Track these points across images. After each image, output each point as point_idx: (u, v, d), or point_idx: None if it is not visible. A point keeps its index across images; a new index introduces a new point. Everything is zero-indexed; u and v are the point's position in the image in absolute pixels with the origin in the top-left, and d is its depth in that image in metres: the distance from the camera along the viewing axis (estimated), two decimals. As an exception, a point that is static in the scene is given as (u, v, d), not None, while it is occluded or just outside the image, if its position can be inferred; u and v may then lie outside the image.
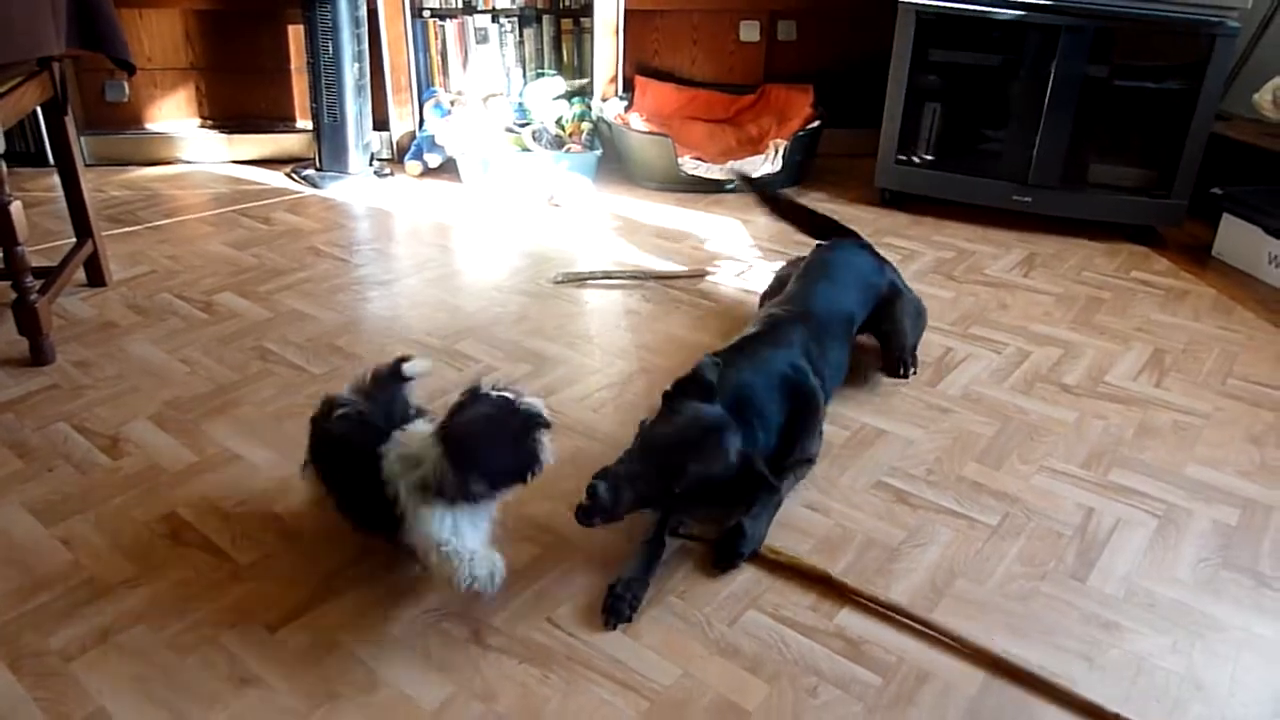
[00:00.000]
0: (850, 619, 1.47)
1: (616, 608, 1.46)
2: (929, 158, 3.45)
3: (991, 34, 3.17)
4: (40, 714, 1.27)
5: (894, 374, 2.22)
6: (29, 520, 1.65)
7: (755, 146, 3.73)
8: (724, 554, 1.58)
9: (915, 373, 2.23)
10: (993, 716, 1.31)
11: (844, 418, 2.04)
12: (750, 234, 3.17)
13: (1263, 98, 2.81)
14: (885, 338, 2.25)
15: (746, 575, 1.56)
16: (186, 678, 1.33)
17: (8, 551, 1.57)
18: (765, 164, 3.54)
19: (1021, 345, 2.41)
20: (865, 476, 1.84)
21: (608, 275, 2.77)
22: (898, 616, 1.47)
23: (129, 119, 3.74)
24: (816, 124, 3.67)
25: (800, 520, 1.70)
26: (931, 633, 1.44)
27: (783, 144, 3.56)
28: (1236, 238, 2.99)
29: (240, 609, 1.46)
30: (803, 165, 3.69)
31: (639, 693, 1.33)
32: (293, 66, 3.77)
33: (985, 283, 2.82)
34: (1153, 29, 2.98)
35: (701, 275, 2.79)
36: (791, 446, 1.77)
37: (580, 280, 2.74)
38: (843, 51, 3.94)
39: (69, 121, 2.44)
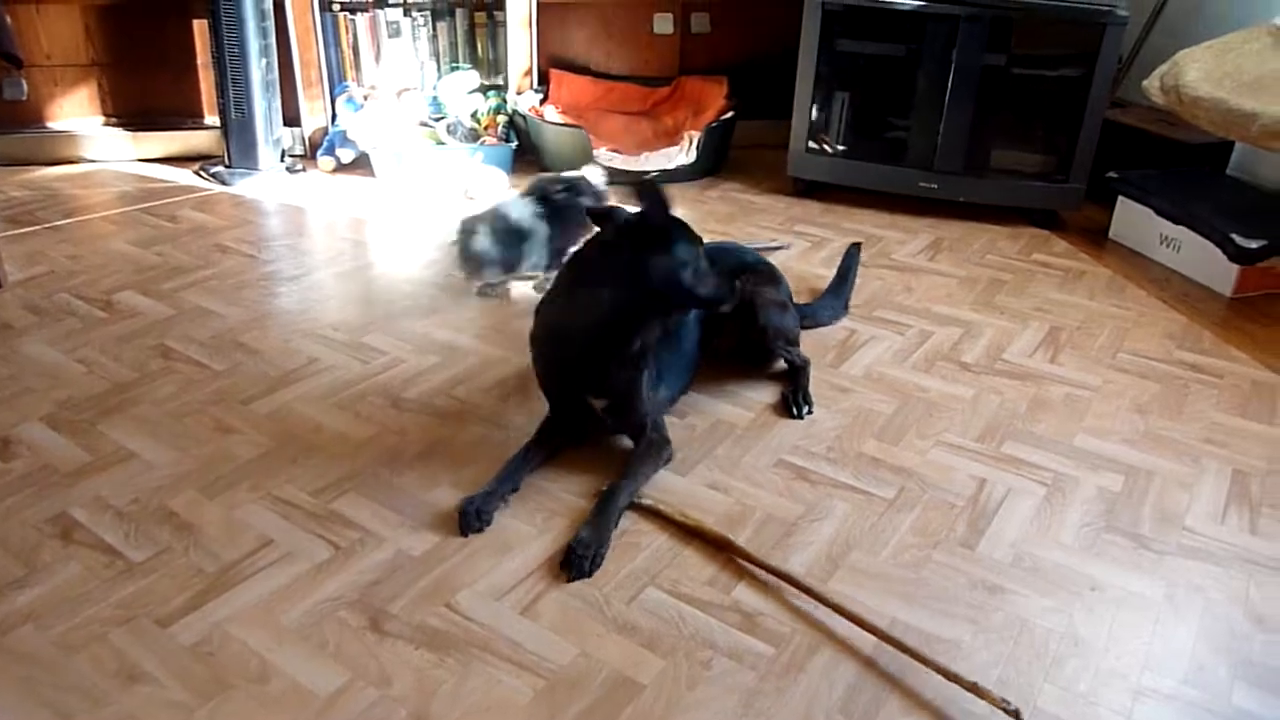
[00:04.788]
0: (746, 594, 1.50)
1: (465, 522, 1.61)
2: (840, 147, 3.52)
3: (895, 24, 3.24)
4: (-83, 720, 1.24)
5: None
6: None
7: (671, 138, 3.76)
8: (570, 566, 1.55)
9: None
10: (879, 684, 1.35)
11: (747, 400, 2.08)
12: (665, 224, 3.19)
13: (1151, 84, 2.91)
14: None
15: (647, 553, 1.58)
16: (74, 677, 1.31)
17: (-114, 558, 1.52)
18: (680, 155, 3.57)
19: (924, 326, 2.48)
20: (767, 456, 1.88)
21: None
22: (788, 584, 1.51)
23: (28, 118, 3.62)
24: (730, 115, 3.71)
25: (701, 499, 1.73)
26: (820, 603, 1.47)
27: (697, 135, 3.60)
28: (1131, 220, 3.10)
29: (131, 605, 1.43)
30: (717, 156, 3.73)
31: (535, 672, 1.34)
32: (199, 61, 3.68)
33: (892, 267, 2.88)
34: (1046, 18, 3.08)
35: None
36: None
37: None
38: (755, 43, 3.99)
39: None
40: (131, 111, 3.73)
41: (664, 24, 3.97)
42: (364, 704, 1.28)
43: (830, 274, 2.63)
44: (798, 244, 3.04)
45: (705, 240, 1.82)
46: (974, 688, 1.29)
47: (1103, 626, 1.47)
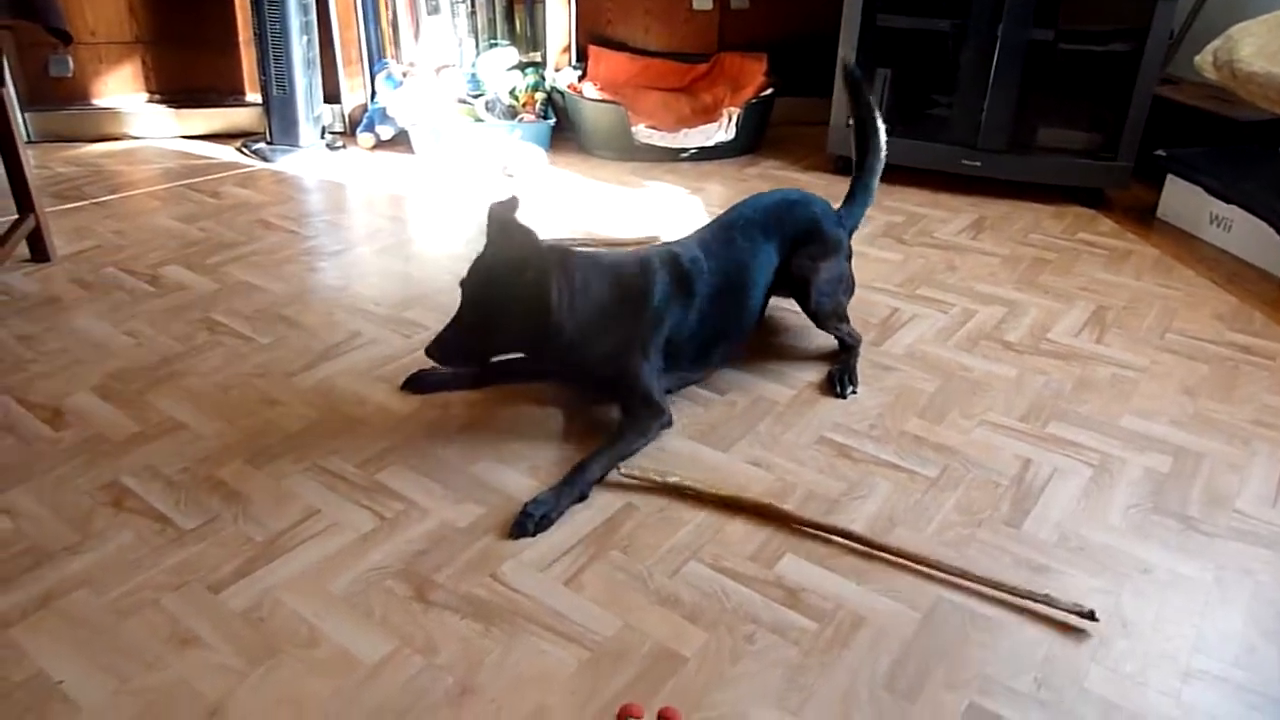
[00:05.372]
0: (789, 569, 1.50)
1: (522, 527, 1.57)
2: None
3: (939, -1, 3.19)
4: (-21, 679, 1.27)
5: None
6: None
7: (709, 115, 3.74)
8: (515, 525, 1.57)
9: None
10: (924, 659, 1.34)
11: (790, 377, 2.07)
12: (704, 201, 3.18)
13: (1204, 60, 2.85)
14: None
15: (689, 528, 1.58)
16: (128, 640, 1.34)
17: (-54, 522, 1.56)
18: (719, 132, 3.55)
19: (967, 305, 2.45)
20: (809, 433, 1.87)
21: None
22: (837, 539, 1.54)
23: (74, 94, 3.67)
24: (770, 92, 3.68)
25: (741, 475, 1.73)
26: (876, 550, 1.52)
27: (736, 112, 3.57)
28: (1180, 199, 3.04)
29: (183, 572, 1.46)
30: (757, 133, 3.70)
31: (580, 643, 1.35)
32: (240, 39, 3.71)
33: (934, 245, 2.85)
34: (1096, -8, 3.02)
35: (652, 241, 2.80)
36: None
37: (532, 249, 2.74)
38: (795, 19, 3.95)
39: (7, 94, 2.40)
40: (174, 89, 3.77)
41: (703, 0, 3.93)
42: (411, 671, 1.29)
43: (869, 252, 2.60)
44: (838, 222, 3.01)
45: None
46: (1047, 599, 1.42)
47: (1151, 608, 1.45)
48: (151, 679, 1.27)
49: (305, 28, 3.40)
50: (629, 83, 3.91)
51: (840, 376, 2.03)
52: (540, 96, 3.72)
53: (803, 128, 3.83)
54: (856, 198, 2.33)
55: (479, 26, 3.86)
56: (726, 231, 2.07)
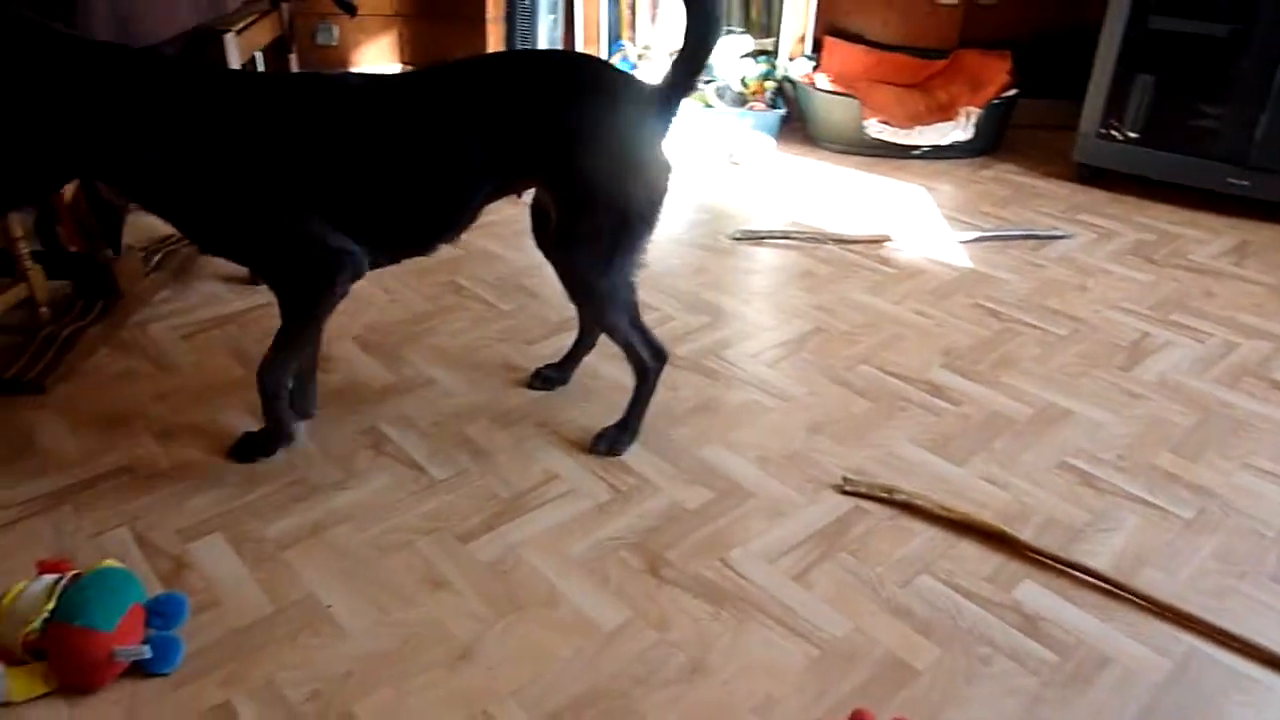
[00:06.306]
0: (1028, 596, 1.44)
1: None
2: (1133, 134, 3.25)
3: (1220, 1, 2.94)
4: (260, 592, 1.40)
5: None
6: (248, 422, 1.80)
7: (944, 113, 3.61)
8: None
9: None
10: (1176, 709, 1.26)
11: (1024, 393, 1.98)
12: (936, 202, 3.09)
13: None
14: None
15: (920, 540, 1.55)
16: (386, 576, 1.44)
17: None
18: (955, 131, 3.42)
19: (1228, 337, 2.26)
20: (1049, 456, 1.78)
21: (785, 235, 2.76)
22: (1082, 576, 1.46)
23: (336, 62, 3.96)
24: (1013, 92, 3.51)
25: (976, 492, 1.67)
26: (1123, 594, 1.43)
27: (975, 111, 3.43)
28: None
29: (435, 519, 1.56)
30: (995, 135, 3.55)
31: (809, 640, 1.35)
32: (489, 15, 3.88)
33: (1189, 268, 2.65)
34: None
35: (882, 241, 2.74)
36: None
37: (758, 238, 2.74)
38: (1045, 16, 3.74)
39: (292, 60, 2.62)
40: (424, 60, 3.99)
41: (949, -7, 3.79)
42: (644, 644, 1.33)
43: (1113, 269, 2.44)
44: (1082, 234, 2.85)
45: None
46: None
47: None
48: (409, 614, 1.37)
49: (553, 6, 3.52)
50: (862, 76, 3.82)
51: (609, 431, 1.74)
52: (770, 85, 3.70)
53: (1046, 132, 3.64)
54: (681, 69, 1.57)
55: (715, 12, 3.87)
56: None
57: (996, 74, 3.64)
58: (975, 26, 3.85)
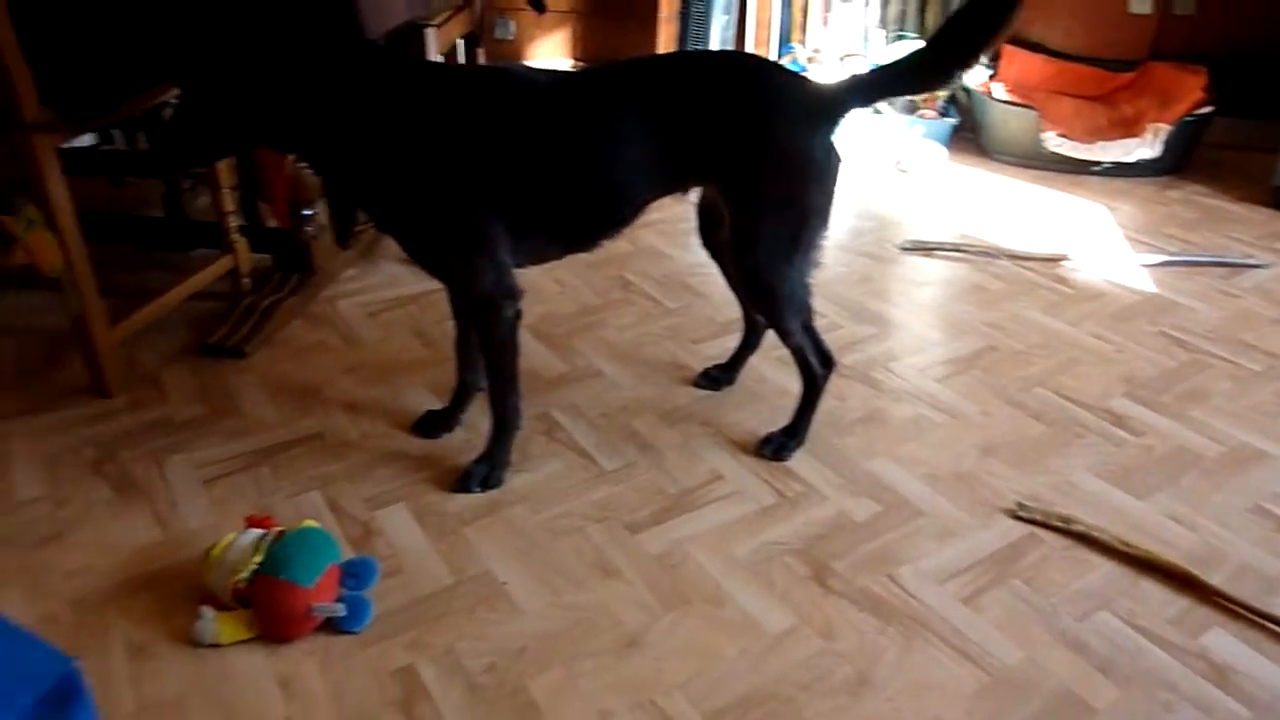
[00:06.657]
0: (1217, 642, 1.37)
1: None
2: (1344, 158, 3.02)
3: None
4: (441, 563, 1.48)
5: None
6: (430, 400, 1.89)
7: (1128, 128, 3.44)
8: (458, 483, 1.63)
9: None
10: (1385, 782, 1.18)
11: (1215, 430, 1.88)
12: (1117, 221, 2.95)
13: None
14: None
15: (1099, 574, 1.49)
16: (558, 559, 1.49)
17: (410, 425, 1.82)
18: (1141, 148, 3.26)
19: None
20: (1243, 498, 1.69)
21: (956, 248, 2.69)
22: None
23: (512, 55, 4.09)
24: (1208, 110, 3.31)
25: (1160, 530, 1.60)
26: None
27: (1164, 128, 3.26)
28: None
29: (605, 507, 1.60)
30: (1184, 154, 3.36)
31: (978, 665, 1.32)
32: (662, 14, 3.93)
33: (1404, 307, 2.45)
34: None
35: (1060, 259, 2.64)
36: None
37: (927, 249, 2.69)
38: (1247, 29, 3.51)
39: (481, 53, 2.72)
40: (596, 57, 4.08)
41: (1142, 3, 3.61)
42: (809, 651, 1.33)
43: (1327, 305, 2.27)
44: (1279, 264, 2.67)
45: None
46: None
47: None
48: (581, 598, 1.41)
49: (727, 6, 3.53)
50: (1041, 86, 3.69)
51: (776, 435, 1.76)
52: (942, 93, 3.61)
53: (1240, 153, 3.42)
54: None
55: (889, 17, 3.81)
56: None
57: (1190, 89, 3.44)
58: (1169, 38, 3.65)
